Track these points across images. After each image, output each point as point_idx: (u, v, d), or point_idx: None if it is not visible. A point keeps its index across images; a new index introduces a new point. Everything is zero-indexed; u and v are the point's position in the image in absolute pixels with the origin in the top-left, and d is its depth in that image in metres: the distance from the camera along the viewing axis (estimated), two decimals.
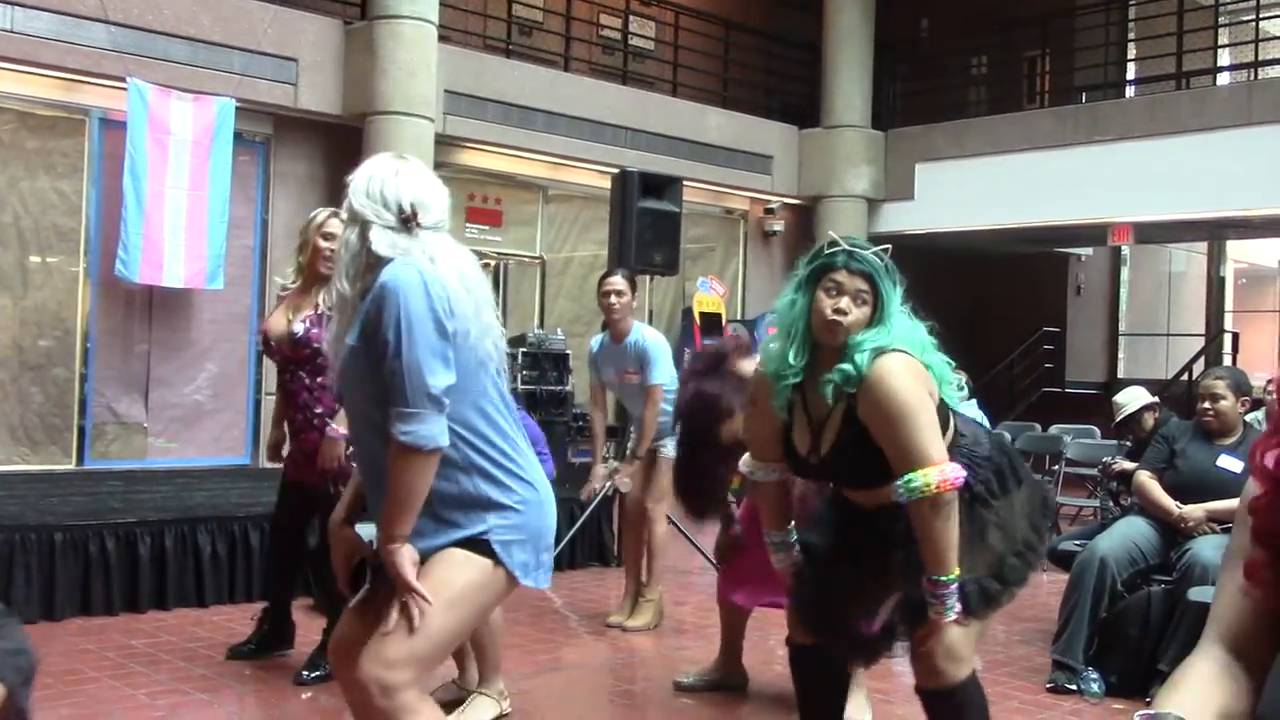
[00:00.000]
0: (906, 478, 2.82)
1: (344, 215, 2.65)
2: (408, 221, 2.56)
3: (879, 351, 2.88)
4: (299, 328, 4.48)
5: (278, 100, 9.45)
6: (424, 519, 2.51)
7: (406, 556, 2.48)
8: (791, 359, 2.94)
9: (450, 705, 3.81)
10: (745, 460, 3.28)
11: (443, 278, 2.52)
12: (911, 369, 2.90)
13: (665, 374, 5.66)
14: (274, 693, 4.48)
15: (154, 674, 4.60)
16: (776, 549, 3.26)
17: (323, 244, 4.45)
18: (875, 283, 2.91)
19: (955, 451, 2.96)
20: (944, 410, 3.02)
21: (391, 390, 2.45)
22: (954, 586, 2.86)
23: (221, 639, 5.09)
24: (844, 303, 2.89)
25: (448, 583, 2.50)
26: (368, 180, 2.62)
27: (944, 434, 2.95)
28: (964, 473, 2.86)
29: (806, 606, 3.23)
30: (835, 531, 3.21)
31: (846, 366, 2.87)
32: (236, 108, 9.00)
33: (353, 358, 2.55)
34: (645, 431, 5.64)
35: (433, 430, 2.44)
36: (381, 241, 2.55)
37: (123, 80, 8.50)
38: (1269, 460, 1.57)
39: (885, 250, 2.97)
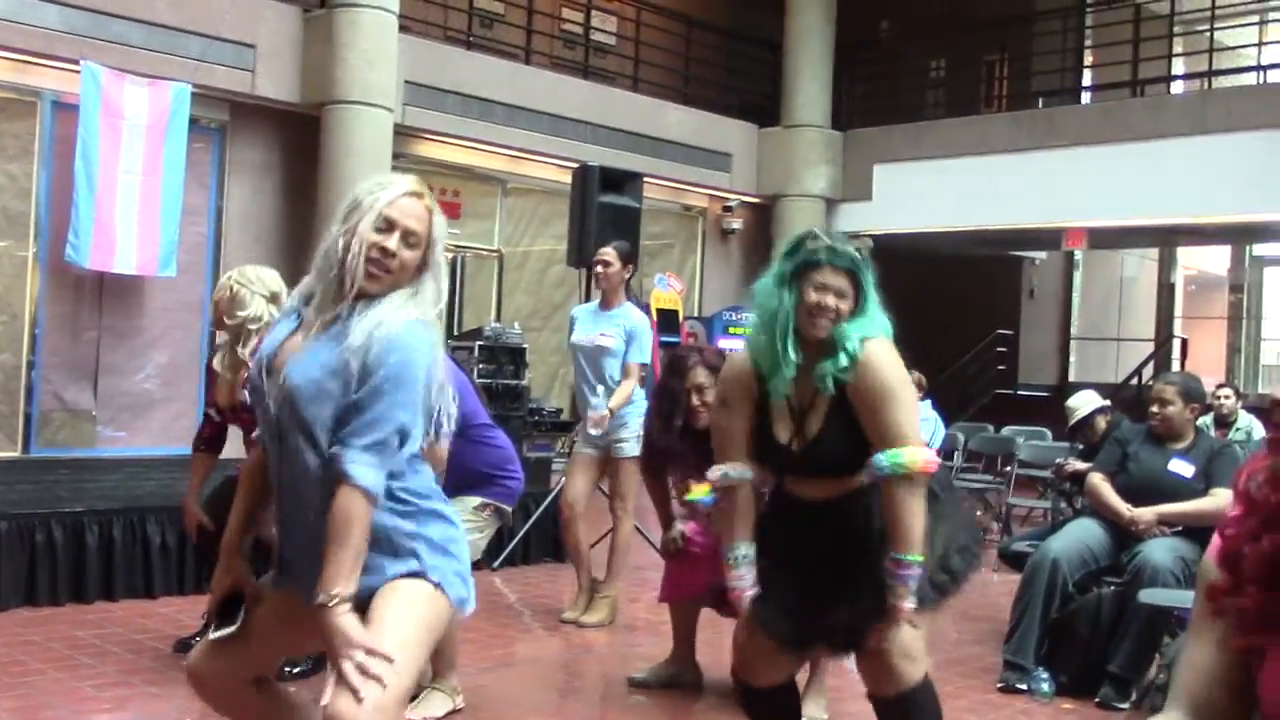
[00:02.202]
0: (891, 453, 2.87)
1: (416, 226, 2.44)
2: None
3: (865, 339, 2.96)
4: (244, 396, 4.47)
5: (234, 87, 9.35)
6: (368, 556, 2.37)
7: (350, 619, 2.30)
8: (792, 354, 2.97)
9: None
10: (717, 468, 3.15)
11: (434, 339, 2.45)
12: (895, 355, 3.00)
13: (646, 355, 5.70)
14: None
15: (101, 666, 4.53)
16: (738, 564, 3.12)
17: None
18: (856, 277, 2.99)
19: None
20: None
21: (355, 433, 2.32)
22: (917, 569, 2.89)
23: (170, 631, 5.03)
24: (830, 299, 2.95)
25: (403, 622, 2.36)
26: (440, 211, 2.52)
27: None
28: (938, 460, 2.94)
29: (776, 622, 3.13)
30: (781, 539, 3.17)
31: (843, 355, 2.94)
32: (192, 93, 8.90)
33: (320, 385, 2.37)
34: (620, 394, 5.59)
35: (382, 482, 2.35)
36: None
37: (76, 63, 8.38)
38: (1246, 481, 1.60)
39: (862, 246, 3.05)
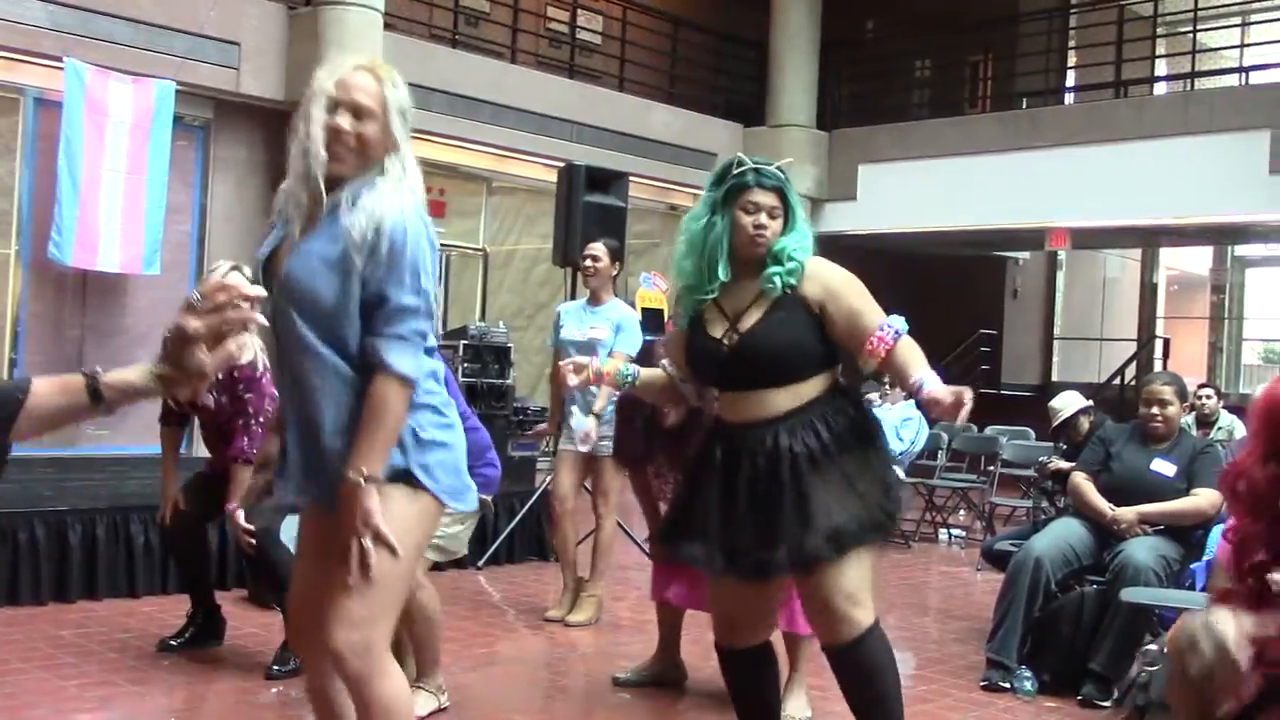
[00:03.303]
0: (890, 319, 3.09)
1: (364, 100, 2.48)
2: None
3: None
4: (210, 399, 4.50)
5: (219, 84, 9.32)
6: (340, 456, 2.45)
7: (376, 499, 2.40)
8: (721, 275, 3.15)
9: None
10: (666, 361, 3.45)
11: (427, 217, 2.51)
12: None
13: (635, 347, 5.68)
14: (203, 684, 4.42)
15: (84, 665, 4.51)
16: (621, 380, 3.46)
17: None
18: (784, 194, 3.17)
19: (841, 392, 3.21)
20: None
21: (381, 321, 2.41)
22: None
23: (153, 630, 5.01)
24: (763, 218, 3.14)
25: (389, 521, 2.44)
26: (400, 83, 2.55)
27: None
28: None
29: (689, 548, 3.22)
30: (713, 468, 3.20)
31: (791, 264, 3.12)
32: (177, 91, 8.86)
33: (317, 273, 2.42)
34: (603, 394, 5.58)
35: (421, 365, 2.46)
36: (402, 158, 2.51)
37: (60, 60, 8.34)
38: (1234, 481, 1.66)
39: (785, 164, 3.26)
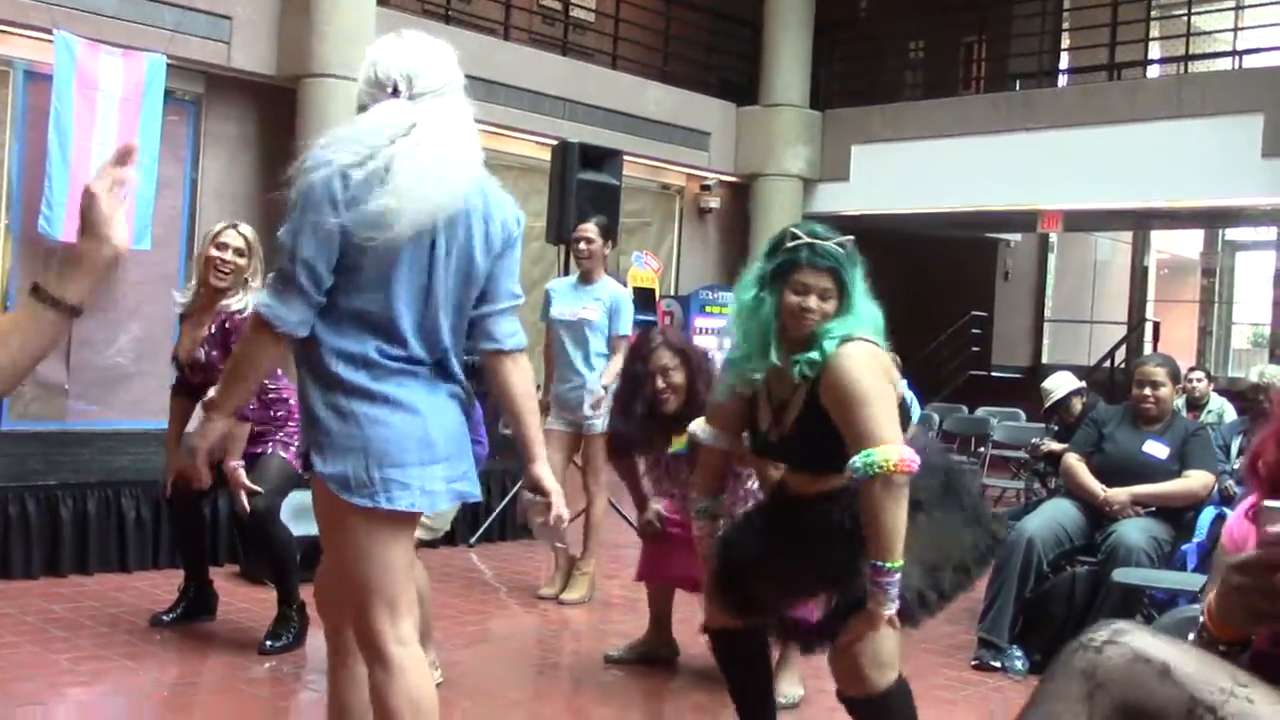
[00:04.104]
0: (864, 453, 2.80)
1: (357, 75, 2.56)
2: (396, 95, 2.48)
3: (844, 339, 2.92)
4: (200, 354, 4.47)
5: (210, 58, 9.25)
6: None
7: (215, 430, 2.48)
8: (772, 358, 2.98)
9: None
10: (697, 422, 3.33)
11: (363, 142, 2.38)
12: (872, 356, 2.93)
13: (630, 327, 5.71)
14: (196, 659, 4.42)
15: (76, 639, 4.51)
16: (699, 515, 3.33)
17: (214, 253, 4.40)
18: (839, 275, 2.96)
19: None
20: (903, 409, 3.03)
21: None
22: (897, 576, 2.83)
23: (145, 605, 5.00)
24: (811, 301, 2.94)
25: (320, 527, 2.52)
26: (367, 65, 2.54)
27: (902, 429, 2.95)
28: (918, 458, 2.83)
29: (726, 590, 3.24)
30: (769, 523, 3.23)
31: (813, 354, 2.92)
32: (167, 65, 8.80)
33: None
34: (611, 370, 5.58)
35: (282, 311, 2.37)
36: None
37: (49, 32, 8.27)
38: (1254, 462, 1.69)
39: (846, 241, 3.01)
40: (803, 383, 2.96)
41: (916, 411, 8.86)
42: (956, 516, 3.09)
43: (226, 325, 4.39)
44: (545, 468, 2.65)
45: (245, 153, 9.75)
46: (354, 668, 2.69)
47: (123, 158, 1.63)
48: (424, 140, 2.41)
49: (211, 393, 2.40)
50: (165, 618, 4.77)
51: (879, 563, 2.82)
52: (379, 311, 2.42)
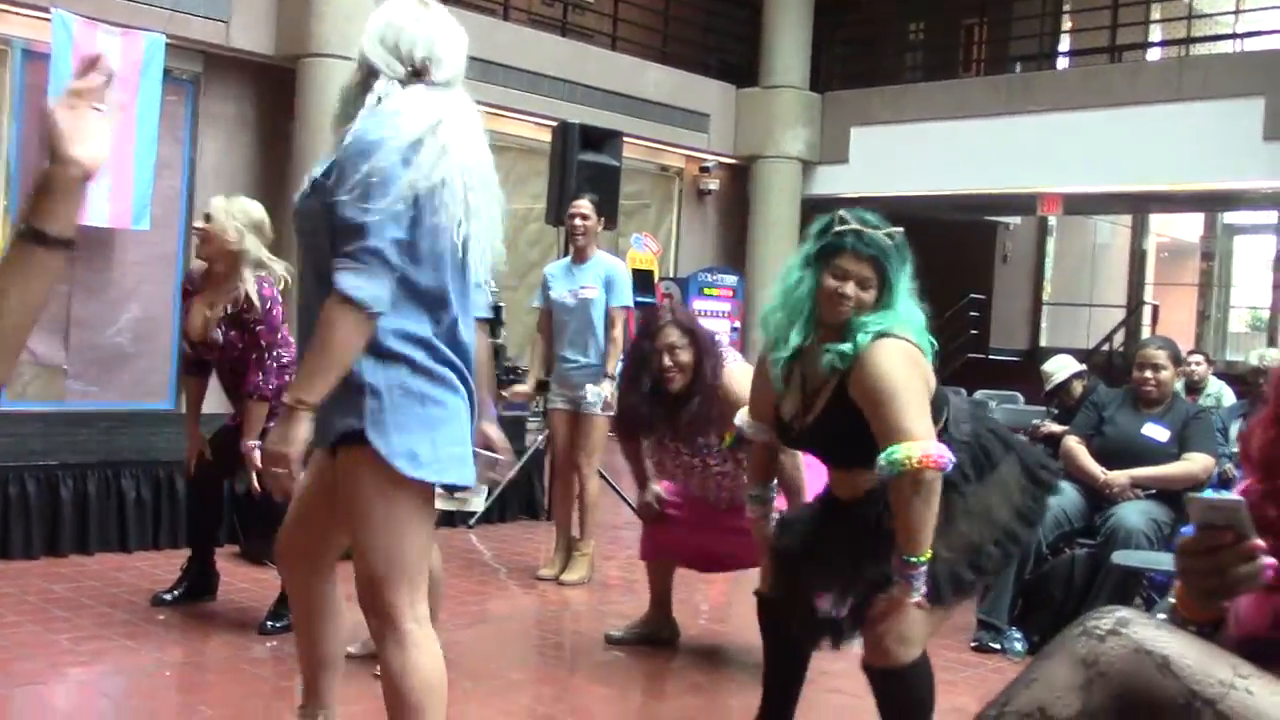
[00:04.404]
0: (889, 450, 2.76)
1: (355, 55, 2.52)
2: (418, 75, 2.45)
3: (880, 334, 2.89)
4: (217, 334, 4.45)
5: (209, 38, 9.23)
6: (335, 403, 2.40)
7: (303, 429, 2.33)
8: (794, 338, 2.97)
9: None
10: (741, 414, 3.39)
11: (416, 137, 2.36)
12: (907, 354, 2.89)
13: (628, 298, 5.72)
14: (198, 639, 4.43)
15: (76, 619, 4.51)
16: (751, 502, 3.41)
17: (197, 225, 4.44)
18: (882, 265, 2.92)
19: (941, 437, 2.92)
20: (938, 402, 3.00)
21: (340, 240, 2.31)
22: (923, 569, 2.82)
23: (145, 585, 5.01)
24: (849, 288, 2.91)
25: (354, 499, 2.45)
26: (384, 25, 2.47)
27: (936, 423, 2.92)
28: (950, 455, 2.80)
29: (779, 569, 3.27)
30: (822, 519, 3.24)
31: (845, 346, 2.89)
32: (166, 44, 8.77)
33: (308, 200, 2.45)
34: (613, 350, 5.60)
35: (378, 291, 2.30)
36: (384, 94, 2.42)
37: (47, 11, 8.24)
38: (1247, 445, 1.70)
39: (896, 232, 2.97)
40: (833, 374, 2.93)
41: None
42: (993, 490, 3.03)
43: (245, 307, 4.38)
44: (495, 427, 2.94)
45: (244, 133, 9.73)
46: (336, 620, 2.79)
47: (86, 68, 1.57)
48: (456, 136, 2.44)
49: (290, 395, 2.35)
50: (166, 597, 4.78)
51: (906, 557, 2.81)
52: (435, 289, 2.42)
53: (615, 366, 5.52)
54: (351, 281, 2.28)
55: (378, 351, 2.39)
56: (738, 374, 4.17)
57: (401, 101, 2.41)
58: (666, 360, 4.18)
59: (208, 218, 4.44)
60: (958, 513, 2.96)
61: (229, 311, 4.40)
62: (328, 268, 2.33)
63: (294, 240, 2.63)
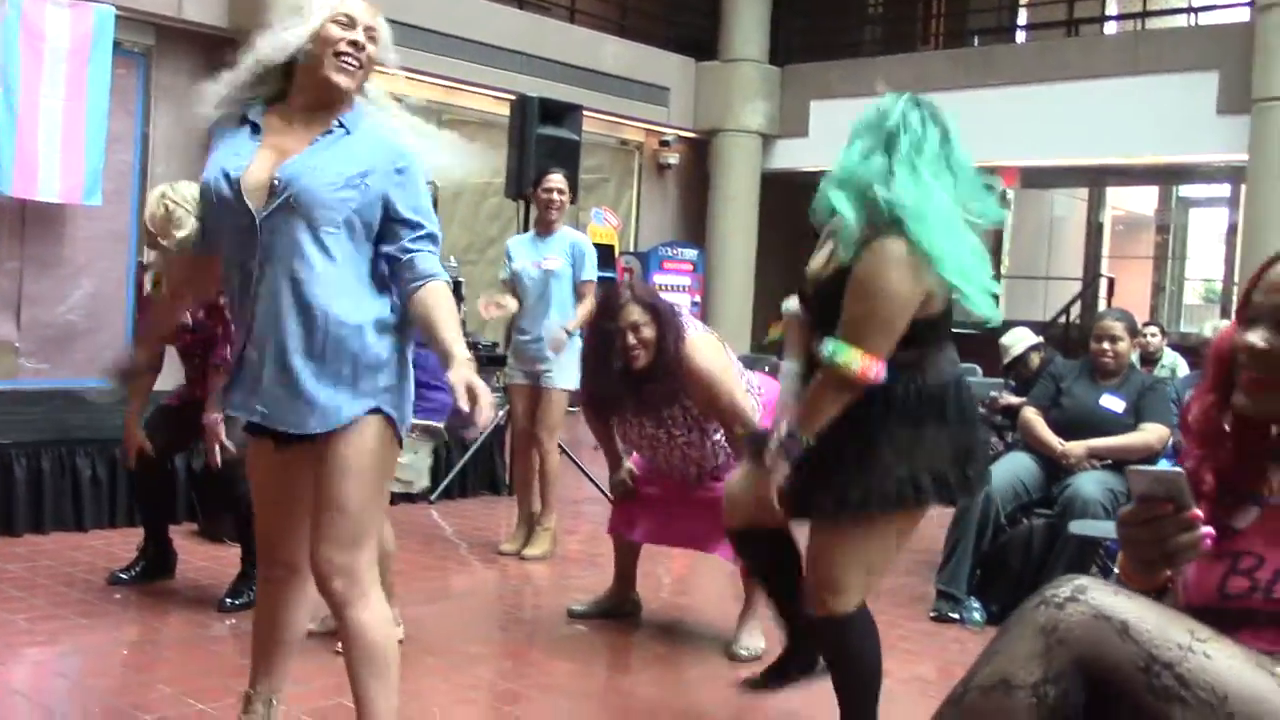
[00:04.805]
0: (841, 345, 2.76)
1: (373, 24, 2.67)
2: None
3: (892, 224, 2.79)
4: (187, 320, 4.39)
5: (160, 10, 9.08)
6: (346, 388, 2.53)
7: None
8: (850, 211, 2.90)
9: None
10: (790, 299, 3.19)
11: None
12: (908, 263, 2.78)
13: (593, 273, 5.72)
14: (155, 617, 4.39)
15: (31, 598, 4.46)
16: (783, 377, 3.20)
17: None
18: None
19: (910, 369, 2.88)
20: (935, 332, 2.93)
21: (410, 238, 2.54)
22: (800, 448, 2.86)
23: (101, 563, 4.96)
24: None
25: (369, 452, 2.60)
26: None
27: (930, 341, 2.89)
28: (884, 376, 2.79)
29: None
30: None
31: (851, 236, 2.84)
32: (116, 16, 8.62)
33: (337, 191, 2.50)
34: (581, 314, 5.57)
35: None
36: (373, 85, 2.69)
37: None
38: (1188, 415, 1.74)
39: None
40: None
41: None
42: (925, 434, 2.92)
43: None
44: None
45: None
46: (307, 605, 2.84)
47: None
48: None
49: (460, 357, 2.48)
50: (123, 576, 4.73)
51: (795, 431, 2.88)
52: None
53: (575, 326, 5.54)
54: (441, 267, 2.59)
55: (384, 326, 2.57)
56: (700, 345, 4.16)
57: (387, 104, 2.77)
58: (630, 338, 4.14)
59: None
60: (886, 442, 2.89)
61: None
62: (342, 252, 2.51)
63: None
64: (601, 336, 4.27)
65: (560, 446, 5.93)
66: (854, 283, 2.80)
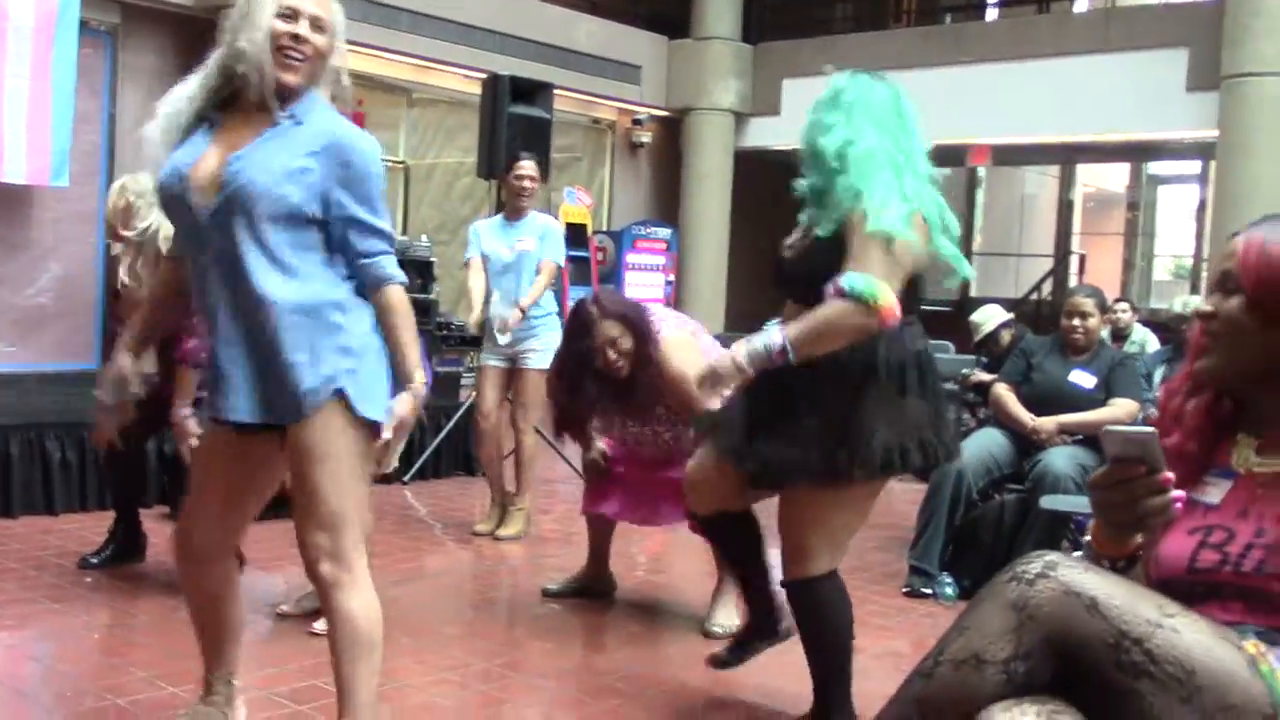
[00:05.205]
0: (867, 279, 2.76)
1: (323, 14, 2.56)
2: None
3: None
4: None
5: None
6: (306, 374, 2.51)
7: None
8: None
9: (316, 613, 3.75)
10: None
11: None
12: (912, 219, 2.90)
13: (562, 255, 5.73)
14: (126, 601, 4.37)
15: (2, 583, 4.43)
16: None
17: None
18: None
19: (888, 339, 2.91)
20: (910, 294, 2.96)
21: (373, 239, 2.54)
22: (783, 358, 2.82)
23: (72, 547, 4.93)
24: None
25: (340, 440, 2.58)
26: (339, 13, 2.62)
27: (906, 312, 2.90)
28: (899, 319, 2.81)
29: (721, 437, 3.21)
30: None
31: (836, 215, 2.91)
32: None
33: (278, 186, 2.46)
34: (535, 291, 5.58)
35: None
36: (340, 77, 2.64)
37: None
38: (1168, 398, 1.77)
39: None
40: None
41: None
42: (906, 399, 2.98)
43: None
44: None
45: (164, 86, 9.28)
46: (238, 590, 2.86)
47: None
48: None
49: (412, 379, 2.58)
50: (94, 560, 4.70)
51: (790, 346, 2.81)
52: None
53: (529, 303, 5.54)
54: (400, 272, 2.62)
55: (342, 309, 2.55)
56: (673, 346, 4.17)
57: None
58: (611, 353, 4.16)
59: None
60: (869, 402, 2.91)
61: None
62: (286, 249, 2.48)
63: None
64: (578, 358, 4.25)
65: (536, 428, 5.92)
66: (873, 237, 2.82)
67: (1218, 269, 1.79)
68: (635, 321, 4.18)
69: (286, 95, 2.52)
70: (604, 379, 4.22)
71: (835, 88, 3.13)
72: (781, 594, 3.29)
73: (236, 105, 2.57)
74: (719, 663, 3.55)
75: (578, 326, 4.26)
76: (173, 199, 2.55)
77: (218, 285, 2.52)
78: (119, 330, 4.52)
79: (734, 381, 2.94)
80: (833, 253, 2.88)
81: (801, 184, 3.05)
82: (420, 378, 2.55)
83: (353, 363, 2.54)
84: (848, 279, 2.79)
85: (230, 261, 2.48)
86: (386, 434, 2.47)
